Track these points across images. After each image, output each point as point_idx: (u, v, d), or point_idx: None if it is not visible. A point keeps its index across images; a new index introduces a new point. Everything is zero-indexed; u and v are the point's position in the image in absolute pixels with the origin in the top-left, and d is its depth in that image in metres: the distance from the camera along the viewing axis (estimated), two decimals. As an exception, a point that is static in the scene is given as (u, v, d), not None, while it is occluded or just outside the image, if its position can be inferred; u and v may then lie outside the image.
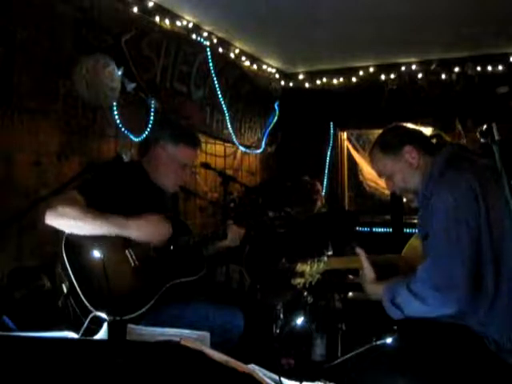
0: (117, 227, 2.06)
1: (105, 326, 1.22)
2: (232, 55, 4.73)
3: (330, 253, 3.26)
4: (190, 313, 2.23)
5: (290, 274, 2.10)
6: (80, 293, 1.96)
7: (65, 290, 1.99)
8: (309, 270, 2.00)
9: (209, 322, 2.22)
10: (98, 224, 2.03)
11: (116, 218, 2.08)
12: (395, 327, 1.93)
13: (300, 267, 2.01)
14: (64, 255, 2.01)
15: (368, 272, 1.96)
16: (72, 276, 1.97)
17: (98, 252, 1.91)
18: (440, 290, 1.68)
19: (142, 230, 2.11)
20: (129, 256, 2.15)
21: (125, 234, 2.10)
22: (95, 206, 2.10)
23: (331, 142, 5.75)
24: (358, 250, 2.00)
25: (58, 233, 2.07)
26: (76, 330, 1.30)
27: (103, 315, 1.36)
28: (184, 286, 2.28)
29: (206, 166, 3.06)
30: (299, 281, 2.03)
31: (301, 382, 1.32)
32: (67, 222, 2.02)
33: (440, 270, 1.69)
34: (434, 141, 2.02)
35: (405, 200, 2.19)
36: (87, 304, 1.94)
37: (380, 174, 2.09)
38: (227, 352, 1.09)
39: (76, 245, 2.03)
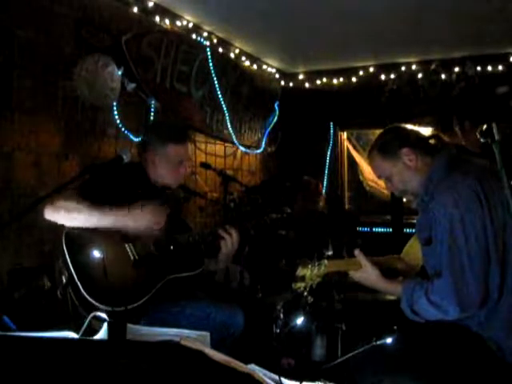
0: (113, 219, 2.07)
1: (105, 325, 1.22)
2: (232, 55, 4.74)
3: (330, 253, 3.26)
4: (190, 310, 2.23)
5: (290, 276, 2.09)
6: (78, 283, 1.96)
7: (64, 280, 1.99)
8: (309, 273, 1.98)
9: (209, 319, 2.22)
10: (94, 216, 2.04)
11: (111, 209, 2.08)
12: (395, 327, 1.93)
13: (300, 271, 1.99)
14: (65, 248, 2.01)
15: (370, 269, 1.95)
16: (71, 267, 1.98)
17: (98, 245, 1.91)
18: (459, 304, 1.69)
19: (139, 220, 2.12)
20: (129, 250, 2.16)
21: (119, 225, 2.09)
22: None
23: (331, 142, 5.75)
24: (356, 252, 2.00)
25: (57, 232, 2.08)
26: (76, 330, 1.30)
27: (103, 315, 1.36)
28: (184, 283, 2.28)
29: (206, 165, 3.06)
30: (300, 285, 2.02)
31: (301, 382, 1.31)
32: (64, 214, 2.03)
33: (456, 286, 1.69)
34: (433, 141, 2.01)
35: (405, 200, 2.19)
36: (85, 295, 1.94)
37: (379, 176, 2.08)
38: (228, 349, 1.09)
39: (77, 238, 2.04)
